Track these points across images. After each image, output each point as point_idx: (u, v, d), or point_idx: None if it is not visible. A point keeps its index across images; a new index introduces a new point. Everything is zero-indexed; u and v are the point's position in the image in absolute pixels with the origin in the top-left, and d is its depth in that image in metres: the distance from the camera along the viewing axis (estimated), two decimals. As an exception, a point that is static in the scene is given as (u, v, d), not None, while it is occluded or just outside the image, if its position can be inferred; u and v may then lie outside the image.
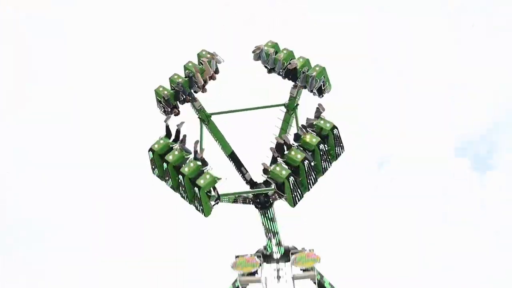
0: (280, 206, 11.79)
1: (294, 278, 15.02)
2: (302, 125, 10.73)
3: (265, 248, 15.02)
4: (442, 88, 27.66)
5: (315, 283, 14.86)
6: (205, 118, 12.49)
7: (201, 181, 9.48)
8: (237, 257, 14.84)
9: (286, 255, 15.06)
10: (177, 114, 11.44)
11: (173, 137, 10.57)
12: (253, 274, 14.97)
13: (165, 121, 10.80)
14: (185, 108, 11.92)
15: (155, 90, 11.84)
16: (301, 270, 14.95)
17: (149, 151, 10.61)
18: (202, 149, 10.66)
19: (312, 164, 10.13)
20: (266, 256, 15.07)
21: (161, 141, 10.45)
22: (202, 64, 11.82)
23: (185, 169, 9.72)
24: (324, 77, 11.72)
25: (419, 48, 28.04)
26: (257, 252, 15.27)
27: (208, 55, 12.09)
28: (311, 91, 11.70)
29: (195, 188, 9.57)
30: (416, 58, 28.08)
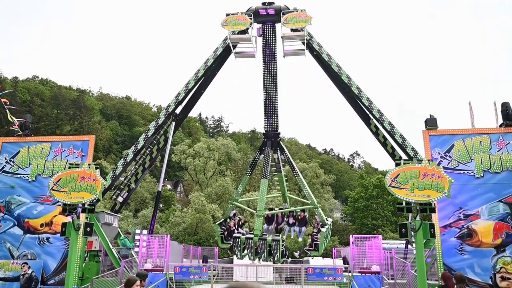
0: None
1: (283, 38, 14.17)
2: None
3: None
4: None
5: (303, 43, 14.06)
6: None
7: None
8: (227, 15, 14.12)
9: (277, 14, 14.19)
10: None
11: None
12: (243, 32, 14.16)
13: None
14: None
15: None
16: (291, 30, 14.20)
17: None
18: None
19: None
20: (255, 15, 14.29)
21: None
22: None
23: None
24: None
25: None
26: (248, 10, 14.39)
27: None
28: None
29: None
30: None
